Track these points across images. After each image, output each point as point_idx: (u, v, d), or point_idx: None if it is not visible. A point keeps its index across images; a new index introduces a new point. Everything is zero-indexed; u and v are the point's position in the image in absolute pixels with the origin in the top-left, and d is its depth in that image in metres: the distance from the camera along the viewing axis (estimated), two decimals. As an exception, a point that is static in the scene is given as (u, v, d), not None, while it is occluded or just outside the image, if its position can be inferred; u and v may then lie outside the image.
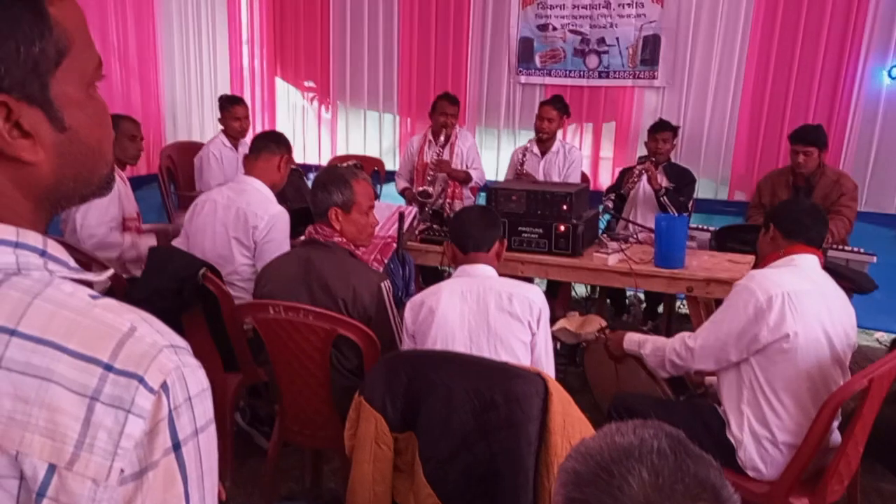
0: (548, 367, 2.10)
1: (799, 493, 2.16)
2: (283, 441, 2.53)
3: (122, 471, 0.60)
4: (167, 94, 5.21)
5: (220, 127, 4.51)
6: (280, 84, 6.15)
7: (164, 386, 0.62)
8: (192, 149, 4.63)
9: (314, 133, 6.06)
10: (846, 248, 3.69)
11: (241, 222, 2.86)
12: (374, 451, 1.95)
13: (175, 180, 4.79)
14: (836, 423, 2.23)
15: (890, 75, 4.26)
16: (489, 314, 2.06)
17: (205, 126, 5.52)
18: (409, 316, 2.16)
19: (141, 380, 0.61)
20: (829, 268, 3.25)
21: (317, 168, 5.69)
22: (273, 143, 3.01)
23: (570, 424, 1.80)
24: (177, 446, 0.62)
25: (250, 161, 3.01)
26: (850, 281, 3.38)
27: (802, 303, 2.15)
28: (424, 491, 1.91)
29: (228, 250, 2.89)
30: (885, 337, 4.62)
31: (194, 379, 0.65)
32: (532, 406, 1.77)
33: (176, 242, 3.04)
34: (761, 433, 2.20)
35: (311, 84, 6.00)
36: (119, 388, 0.60)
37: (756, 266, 2.51)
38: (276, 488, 2.70)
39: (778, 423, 2.18)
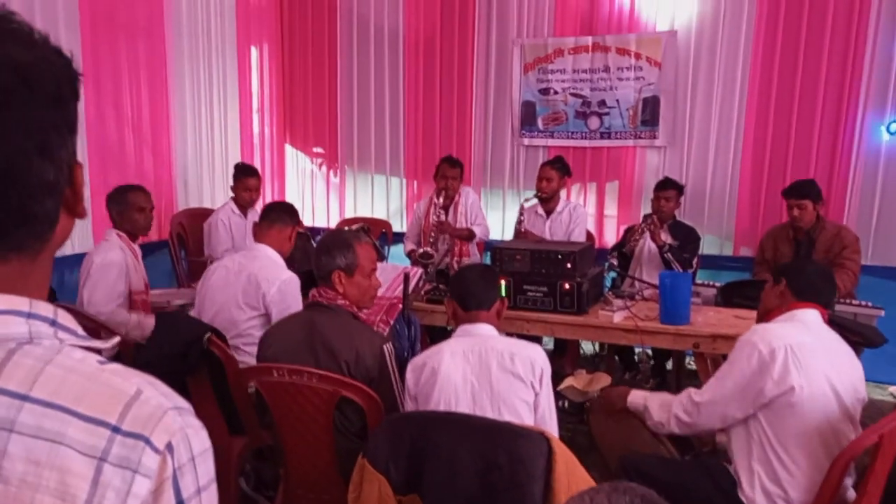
0: (551, 427, 2.09)
1: (815, 555, 2.10)
2: (288, 505, 2.50)
3: None
4: (179, 161, 5.34)
5: (231, 194, 4.60)
6: (289, 150, 6.30)
7: (169, 446, 0.64)
8: (203, 215, 4.72)
9: (323, 197, 6.17)
10: (854, 301, 3.68)
11: (251, 287, 2.90)
12: (379, 514, 1.93)
13: (185, 246, 4.87)
14: (850, 481, 2.19)
15: (889, 130, 4.32)
16: (492, 374, 2.05)
17: (215, 193, 5.63)
18: (410, 378, 2.16)
19: (147, 440, 0.63)
20: (838, 322, 3.24)
21: (326, 231, 5.77)
22: (287, 214, 3.09)
23: (574, 484, 1.78)
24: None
25: (262, 230, 3.07)
26: (860, 335, 3.35)
27: (806, 356, 2.14)
28: (430, 555, 1.88)
29: (237, 314, 2.92)
30: (900, 391, 4.55)
31: (198, 439, 0.67)
32: (536, 466, 1.75)
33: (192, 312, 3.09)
34: (774, 491, 2.16)
35: (320, 150, 6.15)
36: (126, 449, 0.63)
37: (758, 319, 2.50)
38: (282, 555, 2.65)
39: (790, 480, 2.14)
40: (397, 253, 5.34)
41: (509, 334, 3.92)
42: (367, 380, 2.22)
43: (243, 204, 4.53)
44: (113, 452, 0.62)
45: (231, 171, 4.75)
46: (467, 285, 2.24)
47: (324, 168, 6.16)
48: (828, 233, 3.95)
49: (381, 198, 5.95)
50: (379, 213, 5.87)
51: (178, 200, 5.34)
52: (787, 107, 4.56)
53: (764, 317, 2.43)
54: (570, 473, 1.78)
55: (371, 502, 1.93)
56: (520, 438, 1.78)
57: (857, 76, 4.34)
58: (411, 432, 1.88)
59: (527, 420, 2.03)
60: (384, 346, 2.26)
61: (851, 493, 2.16)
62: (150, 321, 3.23)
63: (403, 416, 2.05)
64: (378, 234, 5.28)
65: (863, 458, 2.05)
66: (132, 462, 0.62)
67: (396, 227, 5.62)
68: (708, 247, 4.78)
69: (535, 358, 2.07)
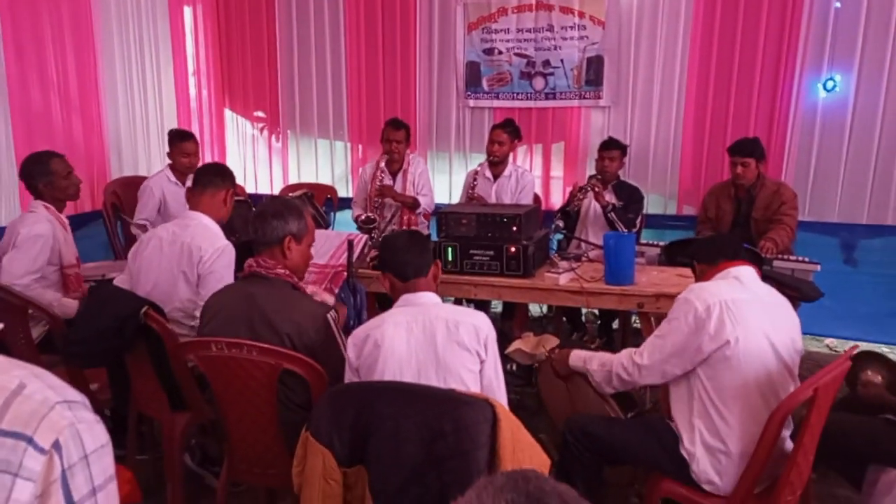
0: (499, 393, 2.08)
1: (753, 505, 2.17)
2: (232, 481, 2.46)
3: None
4: (111, 127, 5.12)
5: (168, 161, 4.43)
6: (229, 115, 6.10)
7: (56, 445, 0.58)
8: (138, 183, 4.54)
9: (265, 162, 6.01)
10: (791, 257, 3.77)
11: (185, 256, 2.80)
12: (323, 487, 1.90)
13: (121, 217, 4.69)
14: (787, 432, 2.26)
15: (825, 88, 4.39)
16: (437, 345, 2.02)
17: (152, 160, 5.43)
18: (352, 351, 2.10)
19: (30, 440, 0.57)
20: (774, 278, 3.32)
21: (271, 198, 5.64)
22: (219, 177, 2.97)
23: (519, 450, 1.78)
24: None
25: (194, 196, 2.95)
26: (796, 290, 3.44)
27: (741, 311, 2.19)
28: (377, 525, 1.87)
29: (174, 287, 2.82)
30: (836, 343, 4.72)
31: (91, 435, 0.61)
32: (481, 433, 1.74)
33: (118, 281, 2.96)
34: (714, 445, 2.21)
35: (261, 114, 5.96)
36: (4, 451, 0.57)
37: (696, 278, 2.55)
38: (229, 530, 2.62)
39: (729, 433, 2.19)
40: (343, 218, 5.26)
41: (457, 301, 3.93)
42: (311, 352, 2.17)
43: (182, 170, 4.35)
44: None
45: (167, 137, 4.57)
46: (401, 255, 2.18)
47: (265, 133, 5.99)
48: (767, 190, 4.03)
49: (326, 162, 5.83)
50: (323, 179, 5.76)
51: (111, 169, 5.14)
52: (727, 66, 4.58)
53: (700, 277, 2.47)
54: (515, 439, 1.78)
55: (315, 476, 1.90)
56: (464, 406, 1.77)
57: (794, 35, 4.38)
58: (354, 404, 1.84)
59: (473, 389, 2.02)
60: (328, 315, 2.21)
61: (789, 444, 2.23)
62: (67, 304, 3.09)
63: (346, 387, 2.01)
64: (323, 199, 5.18)
65: (800, 409, 2.11)
66: (12, 465, 0.56)
67: (342, 193, 5.52)
68: (652, 206, 4.83)
69: (479, 326, 2.05)
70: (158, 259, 2.86)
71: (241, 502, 2.85)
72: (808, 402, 2.07)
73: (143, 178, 4.64)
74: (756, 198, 4.02)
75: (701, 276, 2.45)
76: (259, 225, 2.30)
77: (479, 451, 1.74)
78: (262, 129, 6.01)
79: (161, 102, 5.56)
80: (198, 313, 2.58)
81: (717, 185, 4.33)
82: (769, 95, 4.52)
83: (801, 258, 3.74)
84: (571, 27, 4.84)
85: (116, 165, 5.20)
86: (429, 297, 2.13)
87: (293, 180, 5.86)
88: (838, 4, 4.27)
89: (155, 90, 5.50)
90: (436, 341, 2.02)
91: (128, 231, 4.59)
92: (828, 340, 4.76)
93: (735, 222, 4.12)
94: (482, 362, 2.05)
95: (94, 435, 0.62)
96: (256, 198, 5.28)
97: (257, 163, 6.04)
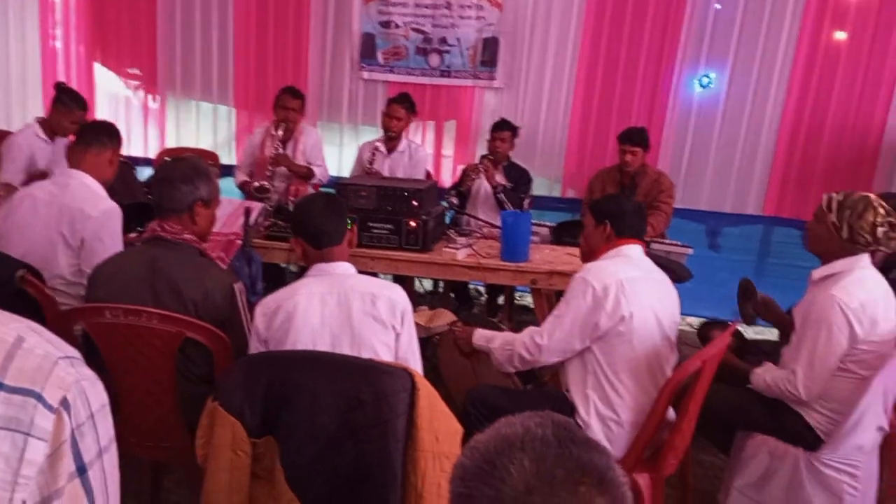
0: (415, 365, 2.09)
1: (640, 470, 2.32)
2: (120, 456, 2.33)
3: (23, 502, 0.51)
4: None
5: (38, 115, 4.04)
6: (100, 71, 5.66)
7: (65, 403, 0.54)
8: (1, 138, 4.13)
9: (140, 125, 5.65)
10: (666, 241, 4.03)
11: (65, 220, 2.58)
12: (231, 458, 1.84)
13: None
14: (668, 401, 2.43)
15: (700, 84, 4.70)
16: (352, 318, 1.99)
17: (12, 113, 4.97)
18: (261, 322, 2.03)
19: (39, 397, 0.52)
20: (652, 258, 3.54)
21: (147, 162, 5.32)
22: (105, 135, 2.76)
23: (436, 419, 1.81)
24: (82, 469, 0.54)
25: (78, 154, 2.72)
26: (671, 271, 3.68)
27: (635, 288, 2.32)
28: (286, 497, 1.84)
29: (51, 251, 2.60)
30: (696, 321, 5.09)
31: (95, 393, 0.57)
32: (399, 402, 1.75)
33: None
34: (606, 414, 2.34)
35: (136, 72, 5.59)
36: (14, 409, 0.51)
37: (582, 257, 2.65)
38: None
39: (621, 403, 2.33)
40: (226, 186, 5.03)
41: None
42: (215, 321, 2.08)
43: (59, 132, 3.97)
44: None
45: (31, 89, 4.18)
46: (316, 220, 2.08)
47: (141, 93, 5.62)
48: (649, 178, 4.27)
49: (208, 128, 5.56)
50: (205, 144, 5.49)
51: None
52: (614, 57, 4.79)
53: (589, 256, 2.57)
54: (433, 408, 1.81)
55: (223, 447, 1.84)
56: (384, 375, 1.77)
57: (676, 31, 4.65)
58: (269, 374, 1.80)
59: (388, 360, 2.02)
60: (235, 285, 2.13)
61: (672, 413, 2.40)
62: None
63: (261, 356, 1.95)
64: (205, 166, 4.95)
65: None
66: (22, 423, 0.51)
67: (225, 160, 5.29)
68: (538, 188, 4.97)
69: (396, 299, 2.03)
70: (32, 221, 2.62)
71: (124, 478, 2.70)
72: (693, 374, 2.24)
73: (4, 133, 4.23)
74: (639, 185, 4.26)
75: (600, 241, 2.49)
76: (165, 190, 2.16)
77: (397, 420, 1.76)
78: (136, 89, 5.64)
79: (25, 53, 5.08)
80: (84, 281, 2.40)
81: (603, 170, 4.54)
82: (651, 88, 4.78)
83: (675, 242, 4.00)
84: (469, 6, 4.88)
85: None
86: (344, 268, 2.08)
87: (171, 145, 5.55)
88: (718, 6, 4.57)
89: (18, 40, 5.01)
90: (351, 314, 1.99)
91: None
92: (689, 319, 5.12)
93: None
94: (398, 336, 2.04)
95: (98, 392, 0.58)
96: (133, 161, 4.97)
97: (131, 124, 5.65)
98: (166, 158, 4.50)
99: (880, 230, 2.32)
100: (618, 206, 2.51)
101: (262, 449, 1.87)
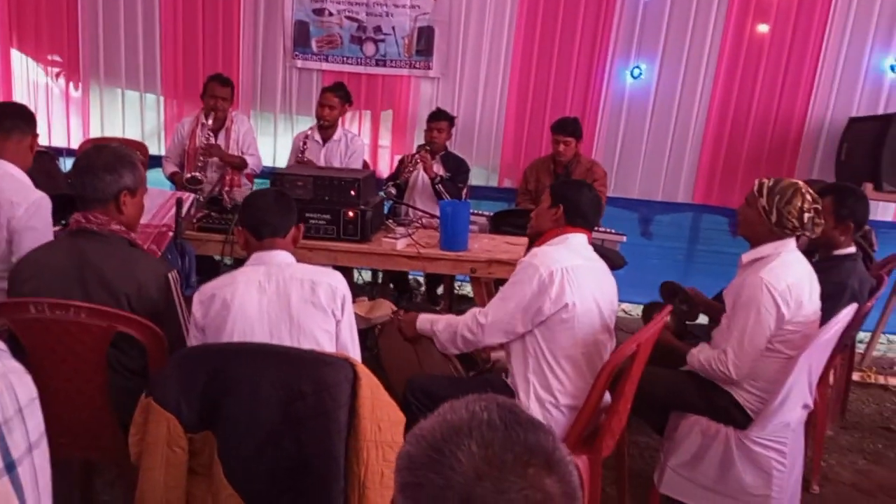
0: (354, 352, 2.07)
1: (578, 452, 2.36)
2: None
3: None
4: None
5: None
6: (17, 57, 5.38)
7: None
8: None
9: (61, 114, 5.41)
10: (600, 228, 4.10)
11: None
12: (167, 454, 1.80)
13: None
14: (604, 384, 2.48)
15: (632, 75, 4.80)
16: (291, 305, 1.97)
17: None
18: (198, 310, 2.00)
19: None
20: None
21: (70, 153, 5.10)
22: (23, 121, 2.63)
23: (378, 408, 1.80)
24: (10, 466, 0.51)
25: None
26: (606, 258, 3.76)
27: (578, 276, 2.35)
28: (225, 492, 1.80)
29: (-31, 245, 2.47)
30: (630, 307, 5.23)
31: (22, 386, 0.54)
32: (341, 393, 1.74)
33: None
34: (546, 398, 2.37)
35: (57, 58, 5.34)
36: None
37: (529, 235, 2.67)
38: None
39: (560, 387, 2.37)
40: (154, 177, 4.88)
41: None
42: (151, 314, 2.02)
43: None
44: None
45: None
46: (260, 213, 2.10)
47: (62, 80, 5.38)
48: (582, 167, 4.35)
49: (135, 117, 5.36)
50: (131, 134, 5.30)
51: None
52: (548, 48, 4.84)
53: (536, 237, 2.60)
54: (375, 398, 1.80)
55: (158, 443, 1.79)
56: (326, 366, 1.75)
57: (608, 24, 4.73)
58: (206, 367, 1.75)
59: (328, 349, 2.00)
60: (170, 275, 2.06)
61: (608, 396, 2.45)
62: None
63: (196, 349, 1.90)
64: (133, 156, 4.78)
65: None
66: None
67: (153, 150, 5.13)
68: (475, 178, 4.99)
69: (335, 286, 2.02)
70: (-50, 214, 2.48)
71: (52, 480, 2.60)
72: (630, 356, 2.29)
73: None
74: (572, 174, 4.32)
75: (550, 221, 2.50)
76: (88, 180, 2.07)
77: (339, 411, 1.74)
78: (57, 76, 5.39)
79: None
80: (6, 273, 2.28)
81: (537, 160, 4.59)
82: (584, 78, 4.85)
83: (610, 230, 4.09)
84: (404, -6, 4.85)
85: None
86: (283, 256, 2.06)
87: (95, 135, 5.33)
88: (647, -2, 4.68)
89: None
90: (290, 301, 1.97)
91: None
92: (624, 306, 5.25)
93: (553, 196, 4.40)
94: (338, 322, 2.03)
95: (26, 385, 0.55)
96: (56, 152, 4.76)
97: (52, 113, 5.41)
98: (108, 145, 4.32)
99: (807, 216, 2.43)
100: (576, 193, 2.50)
101: (199, 444, 1.83)
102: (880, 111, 4.54)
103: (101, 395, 2.06)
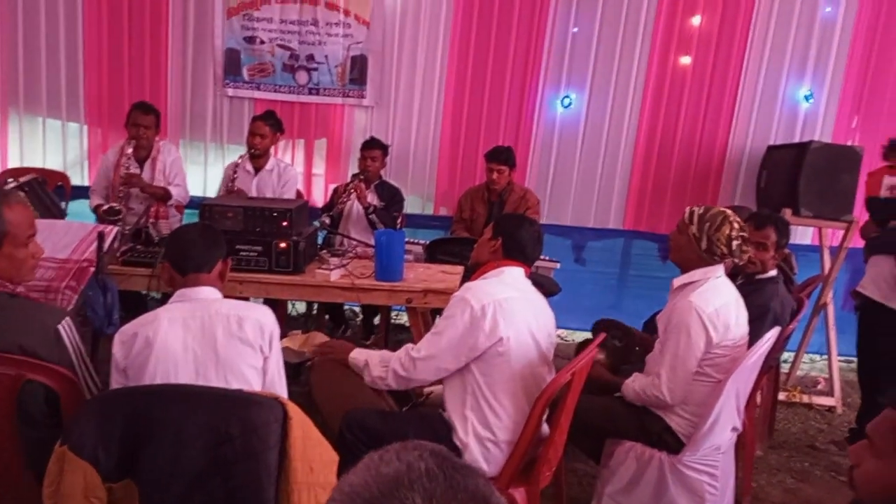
0: (281, 389, 2.01)
1: (516, 485, 2.34)
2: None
3: None
4: None
5: None
6: (-74, 82, 5.14)
7: None
8: None
9: (-25, 143, 5.17)
10: (535, 256, 4.15)
11: None
12: (84, 506, 1.69)
13: None
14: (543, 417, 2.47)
15: (563, 104, 4.90)
16: (217, 342, 1.90)
17: None
18: (119, 350, 1.91)
19: None
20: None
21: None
22: None
23: (310, 448, 1.75)
24: None
25: None
26: (540, 286, 3.79)
27: (512, 309, 2.34)
28: (148, 543, 1.71)
29: None
30: (566, 333, 5.28)
31: None
32: (271, 434, 1.68)
33: None
34: (484, 435, 2.34)
35: (-28, 85, 5.12)
36: None
37: (470, 266, 2.67)
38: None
39: (498, 423, 2.34)
40: (78, 209, 4.71)
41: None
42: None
43: None
44: None
45: None
46: (184, 247, 2.04)
47: (-23, 108, 5.15)
48: (515, 195, 4.40)
49: (56, 146, 5.16)
50: (53, 164, 5.09)
51: None
52: (481, 77, 4.90)
53: (475, 268, 2.60)
54: (306, 437, 1.74)
55: (74, 495, 1.69)
56: (253, 406, 1.68)
57: (538, 53, 4.82)
58: (126, 411, 1.67)
59: (255, 386, 1.93)
60: (59, 327, 1.91)
61: (545, 428, 2.44)
62: None
63: (116, 392, 1.81)
64: (54, 186, 4.59)
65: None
66: None
67: (76, 181, 4.95)
68: (410, 206, 4.99)
69: (263, 321, 1.97)
70: None
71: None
72: (563, 387, 2.29)
73: None
74: (506, 202, 4.37)
75: (489, 254, 2.50)
76: None
77: (269, 452, 1.68)
78: (-28, 103, 5.16)
79: None
80: None
81: (471, 189, 4.62)
82: (516, 108, 4.92)
83: (544, 257, 4.12)
84: (336, 24, 4.84)
85: None
86: (208, 292, 1.99)
87: (14, 164, 5.11)
88: (575, 29, 4.79)
89: None
90: (216, 338, 1.90)
91: None
92: (560, 332, 5.30)
93: (488, 223, 4.42)
94: (266, 359, 1.97)
95: None
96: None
97: (-35, 142, 5.17)
98: (9, 180, 4.13)
99: (734, 243, 2.51)
100: (516, 228, 2.50)
101: (119, 493, 1.73)
102: (796, 139, 4.75)
103: (10, 446, 1.93)
